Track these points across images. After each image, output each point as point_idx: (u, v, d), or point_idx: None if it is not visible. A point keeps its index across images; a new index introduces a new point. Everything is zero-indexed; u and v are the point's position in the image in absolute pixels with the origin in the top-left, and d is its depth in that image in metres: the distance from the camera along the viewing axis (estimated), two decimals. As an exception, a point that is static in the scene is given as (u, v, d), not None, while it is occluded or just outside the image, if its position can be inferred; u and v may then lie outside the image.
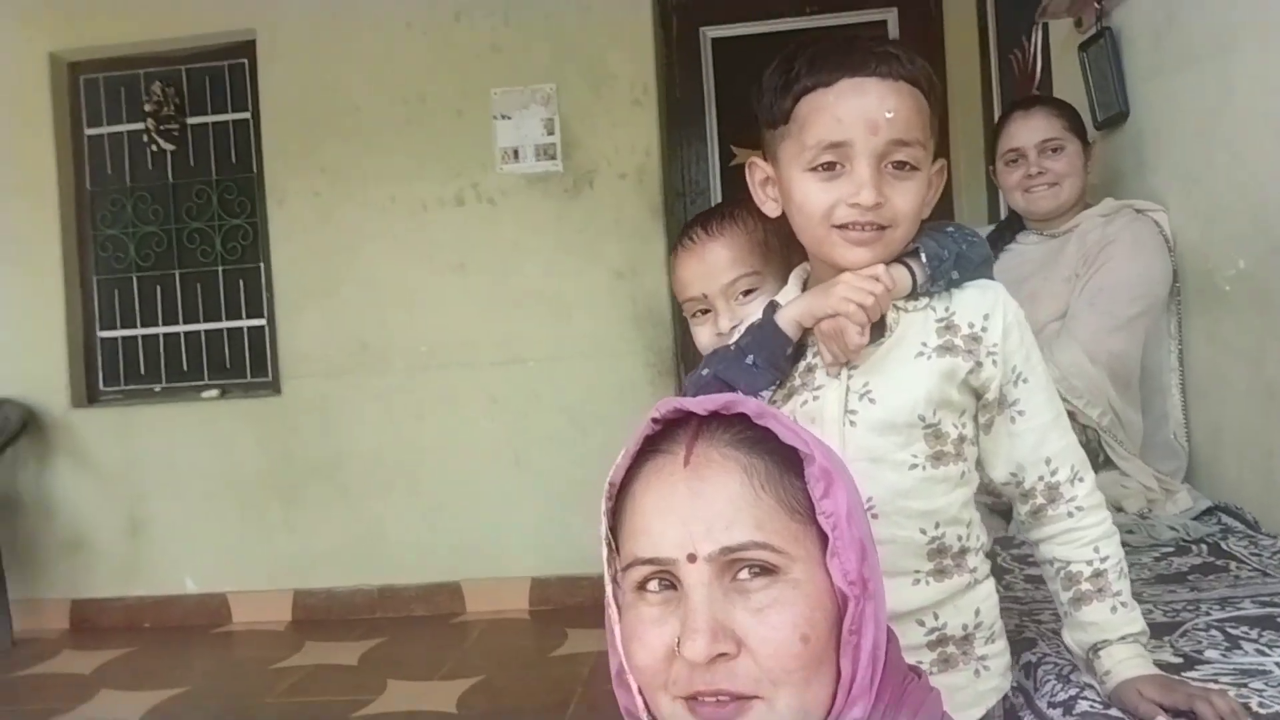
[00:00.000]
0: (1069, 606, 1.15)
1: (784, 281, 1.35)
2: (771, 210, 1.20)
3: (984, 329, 1.12)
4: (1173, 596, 1.53)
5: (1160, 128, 2.23)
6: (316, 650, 3.51)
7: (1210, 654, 1.27)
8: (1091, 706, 1.13)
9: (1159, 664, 1.20)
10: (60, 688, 3.29)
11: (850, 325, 1.09)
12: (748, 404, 0.78)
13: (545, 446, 3.81)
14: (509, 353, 3.86)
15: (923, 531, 1.12)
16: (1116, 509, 1.96)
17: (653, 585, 0.76)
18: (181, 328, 4.23)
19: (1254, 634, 1.32)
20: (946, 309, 1.14)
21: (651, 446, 0.79)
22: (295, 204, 4.02)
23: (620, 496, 0.80)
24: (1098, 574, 1.14)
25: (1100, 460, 2.05)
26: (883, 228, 1.09)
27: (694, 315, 1.41)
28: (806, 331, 1.17)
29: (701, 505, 0.74)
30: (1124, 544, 1.81)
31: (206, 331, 4.23)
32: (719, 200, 3.85)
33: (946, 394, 1.12)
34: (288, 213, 4.03)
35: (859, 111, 1.06)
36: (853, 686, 0.74)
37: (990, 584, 1.19)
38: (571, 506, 3.62)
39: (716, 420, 0.78)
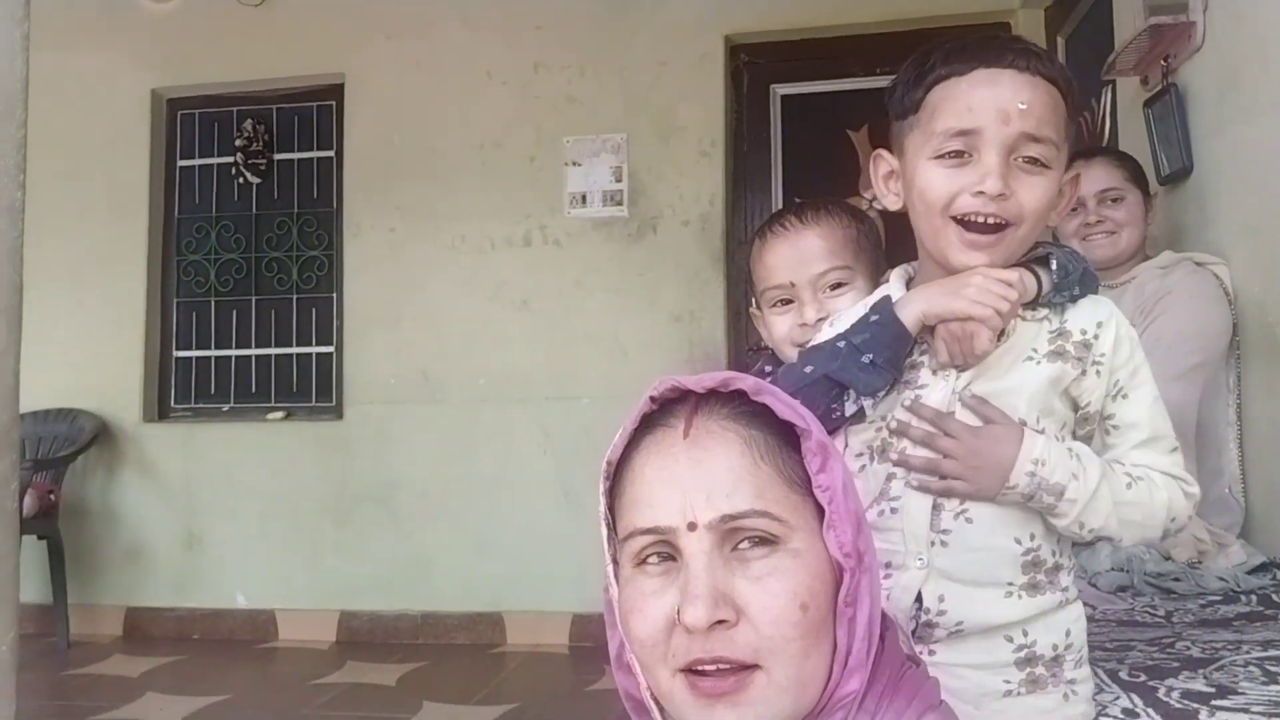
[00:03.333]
0: None
1: (872, 283, 1.32)
2: (892, 204, 1.16)
3: (1095, 336, 1.08)
4: (1213, 637, 1.49)
5: (1224, 182, 2.22)
6: (357, 669, 3.55)
7: (1245, 686, 1.24)
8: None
9: (1190, 693, 1.17)
10: (109, 688, 3.37)
11: (983, 331, 1.05)
12: (745, 380, 0.79)
13: (594, 484, 3.81)
14: (564, 390, 3.92)
15: (1018, 541, 1.07)
16: (1165, 558, 1.92)
17: (652, 558, 0.76)
18: (254, 351, 4.38)
19: (1295, 671, 1.29)
20: (1062, 320, 1.10)
21: (649, 424, 0.80)
22: (370, 238, 4.17)
23: (618, 475, 0.80)
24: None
25: (1150, 510, 2.01)
26: (1003, 226, 1.05)
27: (774, 305, 1.37)
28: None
29: (702, 474, 0.74)
30: (1169, 592, 1.78)
31: (277, 356, 4.37)
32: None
33: (1050, 402, 1.08)
34: (362, 246, 4.18)
35: (991, 100, 1.03)
36: (849, 659, 0.74)
37: (1080, 606, 1.12)
38: (617, 544, 3.61)
39: (714, 397, 0.79)
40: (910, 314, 1.10)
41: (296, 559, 4.07)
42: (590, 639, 3.71)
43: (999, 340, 1.08)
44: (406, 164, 4.15)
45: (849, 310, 1.22)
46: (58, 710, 3.16)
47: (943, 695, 0.80)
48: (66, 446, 4.09)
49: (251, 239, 4.43)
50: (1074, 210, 2.27)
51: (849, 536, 0.75)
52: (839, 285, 1.34)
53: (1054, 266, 1.09)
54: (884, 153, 1.17)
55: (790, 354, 1.35)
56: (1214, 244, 2.21)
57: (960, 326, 1.06)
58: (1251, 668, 1.31)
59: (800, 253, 1.34)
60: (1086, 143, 3.29)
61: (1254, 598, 1.72)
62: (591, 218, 4.01)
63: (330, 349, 4.29)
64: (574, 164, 4.03)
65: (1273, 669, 1.30)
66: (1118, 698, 1.17)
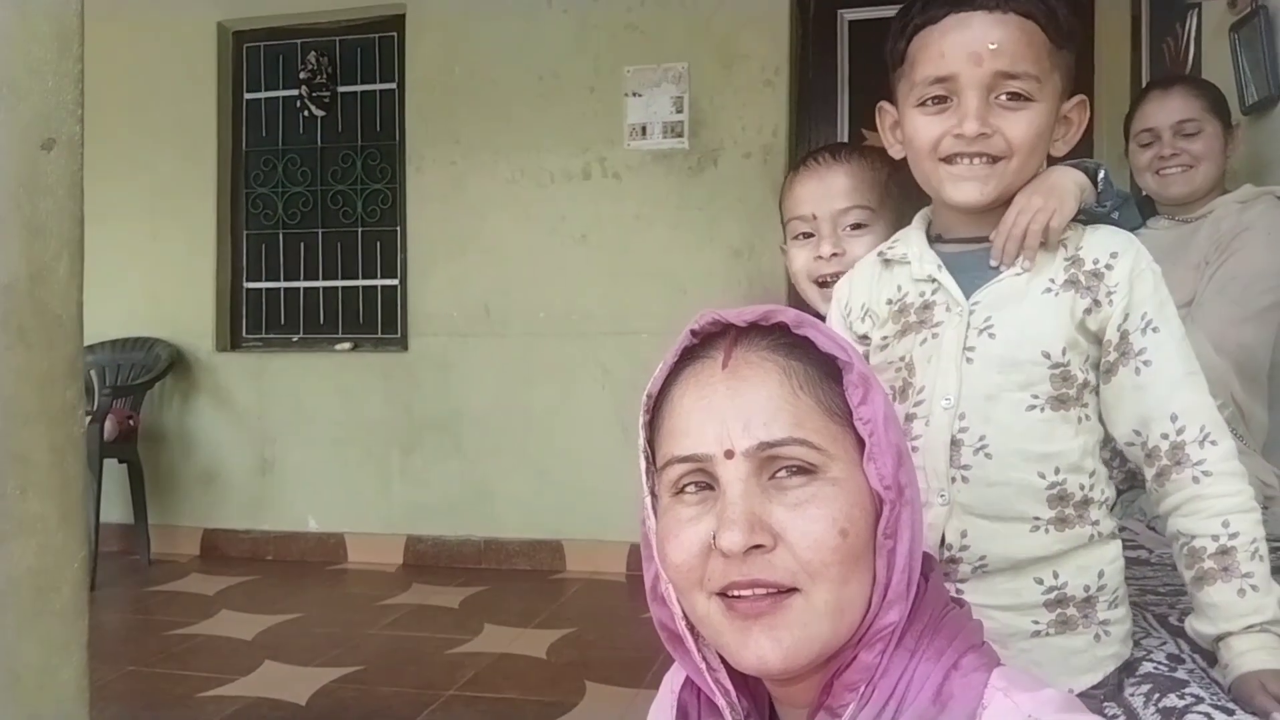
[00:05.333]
0: (1191, 588, 1.03)
1: (894, 229, 1.32)
2: (896, 153, 1.19)
3: (1108, 266, 1.07)
4: (1274, 584, 1.46)
5: (1312, 112, 2.12)
6: (422, 592, 3.68)
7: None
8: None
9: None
10: (186, 604, 3.54)
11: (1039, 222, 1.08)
12: (786, 313, 0.78)
13: (650, 418, 3.85)
14: (623, 324, 3.93)
15: (1041, 475, 1.05)
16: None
17: (690, 487, 0.75)
18: (321, 283, 4.47)
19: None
20: (1077, 247, 1.09)
21: (690, 358, 0.80)
22: (432, 172, 4.19)
23: (658, 408, 0.80)
24: (1224, 551, 1.00)
25: (1216, 453, 1.96)
26: (995, 160, 1.08)
27: (795, 237, 1.41)
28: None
29: (740, 403, 0.74)
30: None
31: (343, 288, 4.45)
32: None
33: (1071, 333, 1.06)
34: (424, 180, 4.20)
35: (962, 45, 1.06)
36: (888, 591, 0.74)
37: (1117, 545, 1.10)
38: (674, 477, 3.66)
39: (755, 330, 0.78)
40: None
41: (365, 485, 4.20)
42: (647, 569, 3.77)
43: (1029, 262, 1.09)
44: (466, 96, 4.14)
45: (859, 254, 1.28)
46: (139, 624, 3.34)
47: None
48: (144, 374, 4.24)
49: (317, 172, 4.48)
50: (1147, 144, 2.18)
51: (889, 469, 0.74)
52: (859, 226, 1.37)
53: (1101, 175, 1.12)
54: (885, 104, 1.20)
55: (806, 288, 1.41)
56: (1299, 178, 2.11)
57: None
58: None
59: (827, 187, 1.38)
60: (1168, 70, 3.15)
61: (1320, 544, 1.67)
62: (651, 150, 3.97)
63: (395, 282, 4.36)
64: (634, 95, 3.98)
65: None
66: (1164, 643, 1.15)
